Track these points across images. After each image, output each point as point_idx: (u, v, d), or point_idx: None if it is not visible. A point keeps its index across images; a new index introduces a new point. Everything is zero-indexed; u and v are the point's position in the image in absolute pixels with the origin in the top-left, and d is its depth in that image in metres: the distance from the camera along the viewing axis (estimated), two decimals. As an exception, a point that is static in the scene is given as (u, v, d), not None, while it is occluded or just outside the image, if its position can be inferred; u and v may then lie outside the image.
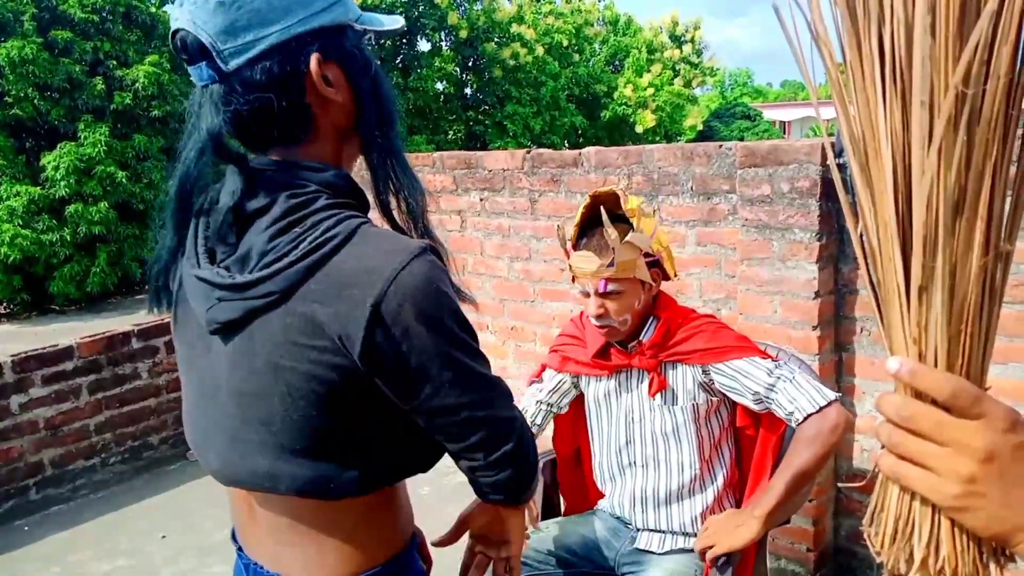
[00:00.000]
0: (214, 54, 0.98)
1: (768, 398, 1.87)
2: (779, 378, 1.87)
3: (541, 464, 2.30)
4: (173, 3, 1.01)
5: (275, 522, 1.13)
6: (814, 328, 2.76)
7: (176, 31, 0.99)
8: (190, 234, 1.09)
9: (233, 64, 0.98)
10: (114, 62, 9.97)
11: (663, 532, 2.05)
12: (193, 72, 1.02)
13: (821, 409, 1.82)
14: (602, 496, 2.21)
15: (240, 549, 1.25)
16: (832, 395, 1.85)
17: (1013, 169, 0.66)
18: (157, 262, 1.13)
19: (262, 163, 1.05)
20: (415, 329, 0.96)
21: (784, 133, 31.87)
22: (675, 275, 2.02)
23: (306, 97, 1.03)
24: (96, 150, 9.31)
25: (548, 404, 2.20)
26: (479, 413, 1.06)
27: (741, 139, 22.41)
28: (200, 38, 0.97)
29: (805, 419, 1.83)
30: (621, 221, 1.89)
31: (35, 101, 9.42)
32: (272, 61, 0.99)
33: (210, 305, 1.02)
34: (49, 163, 9.21)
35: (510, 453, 1.12)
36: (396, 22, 1.15)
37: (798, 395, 1.84)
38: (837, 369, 2.89)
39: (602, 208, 1.86)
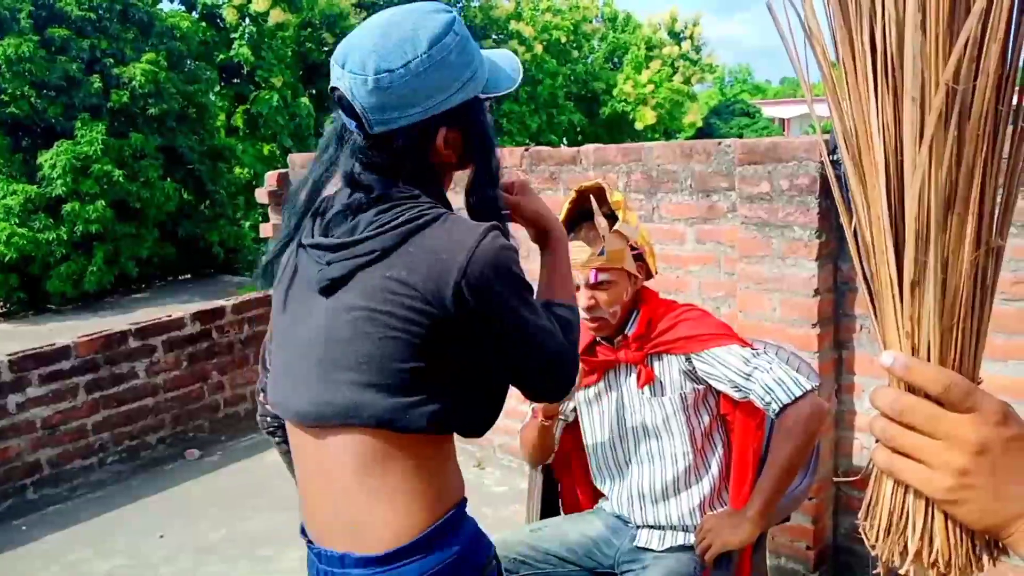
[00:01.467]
0: (363, 121, 1.22)
1: (746, 387, 1.90)
2: (756, 368, 1.89)
3: (540, 467, 2.31)
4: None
5: (345, 484, 1.26)
6: (813, 326, 2.77)
7: (334, 88, 1.24)
8: (306, 226, 1.33)
9: (377, 130, 1.23)
10: (111, 60, 9.96)
11: (662, 528, 2.06)
12: (339, 117, 1.28)
13: (796, 400, 1.84)
14: (601, 495, 2.22)
15: (309, 542, 1.37)
16: (808, 385, 1.87)
17: (1003, 164, 0.66)
18: (274, 247, 1.37)
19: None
20: (492, 285, 1.20)
21: (783, 130, 31.88)
22: (656, 272, 2.04)
23: (429, 158, 1.28)
24: (93, 148, 9.30)
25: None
26: (534, 350, 1.28)
27: (740, 136, 22.42)
28: (354, 106, 1.21)
29: (782, 409, 1.85)
30: (607, 214, 1.92)
31: (32, 99, 9.42)
32: (409, 134, 1.24)
33: (322, 267, 1.25)
34: (46, 161, 9.21)
35: (556, 376, 1.34)
36: (516, 75, 1.38)
37: (774, 385, 1.86)
38: (837, 367, 2.89)
39: (592, 198, 1.89)
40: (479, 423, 1.34)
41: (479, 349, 1.26)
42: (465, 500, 1.37)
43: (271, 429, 1.71)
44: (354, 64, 1.21)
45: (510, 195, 1.44)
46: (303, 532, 1.41)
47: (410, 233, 1.20)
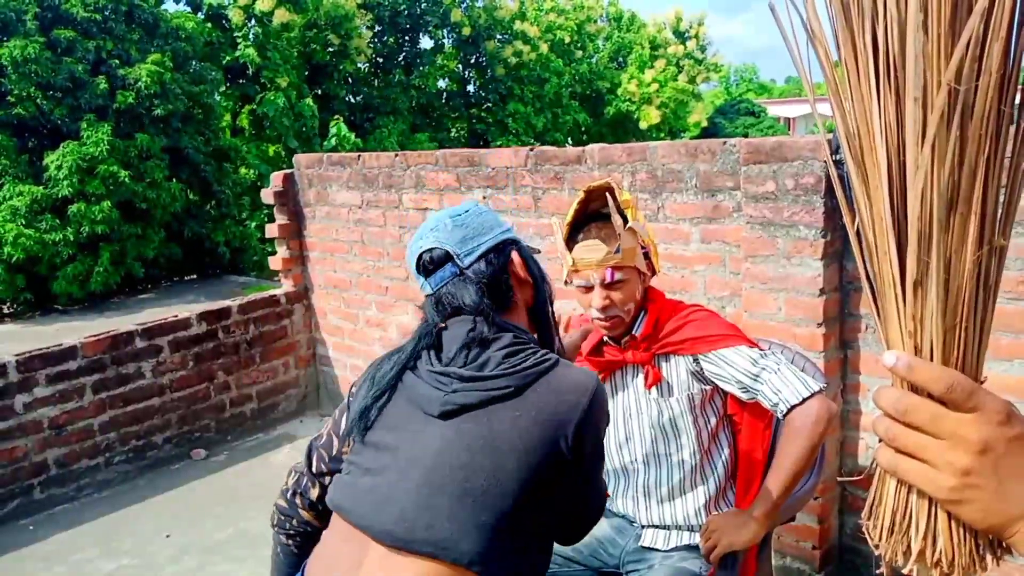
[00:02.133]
0: (455, 257, 1.49)
1: (754, 388, 1.89)
2: (764, 368, 1.89)
3: None
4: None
5: None
6: (819, 325, 2.76)
7: (425, 250, 1.51)
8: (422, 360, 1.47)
9: (467, 261, 1.49)
10: (117, 61, 9.98)
11: (668, 528, 2.05)
12: (433, 278, 1.50)
13: (804, 401, 1.84)
14: (606, 495, 2.22)
15: None
16: (816, 386, 1.87)
17: (1006, 164, 0.66)
18: (375, 393, 1.47)
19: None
20: (598, 426, 1.39)
21: (789, 129, 31.82)
22: (659, 270, 2.04)
23: (510, 280, 1.54)
24: (99, 149, 9.31)
25: None
26: (592, 495, 1.48)
27: (746, 135, 22.39)
28: (446, 248, 1.49)
29: (790, 410, 1.85)
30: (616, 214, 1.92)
31: (38, 100, 9.44)
32: (490, 256, 1.51)
33: (447, 392, 1.36)
34: (52, 162, 9.23)
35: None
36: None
37: (782, 386, 1.86)
38: (842, 366, 2.89)
39: (608, 196, 1.88)
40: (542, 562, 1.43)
41: (570, 493, 1.39)
42: None
43: (292, 532, 1.71)
44: (430, 228, 1.53)
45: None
46: None
47: (538, 375, 1.36)
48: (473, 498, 1.28)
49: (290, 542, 1.69)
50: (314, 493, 1.64)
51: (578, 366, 1.47)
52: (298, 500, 1.65)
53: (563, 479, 1.35)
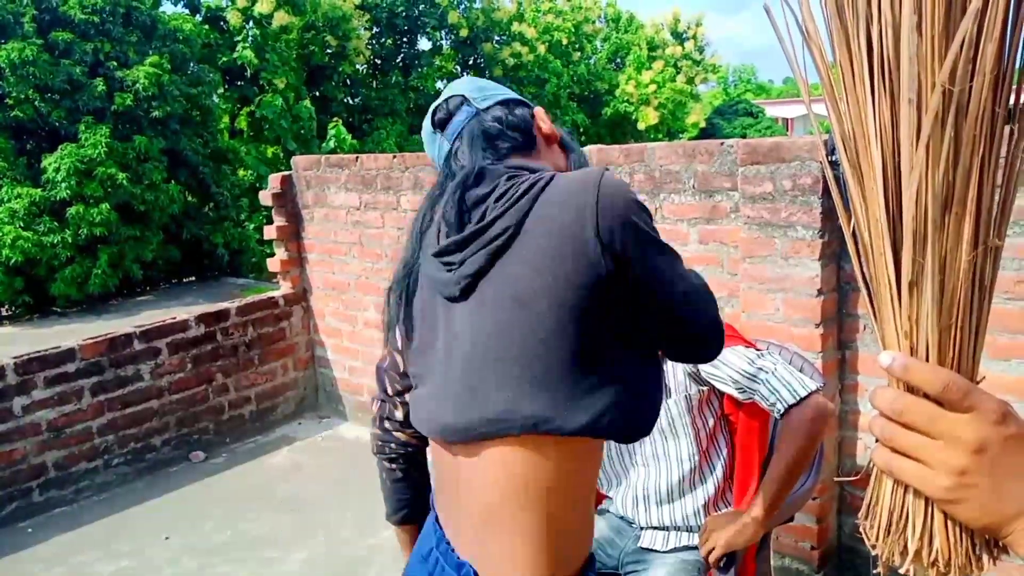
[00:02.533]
0: (471, 100, 1.36)
1: (751, 388, 1.89)
2: (761, 368, 1.89)
3: None
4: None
5: (491, 509, 1.19)
6: (817, 326, 2.77)
7: (440, 103, 1.38)
8: (427, 241, 1.31)
9: (484, 104, 1.35)
10: (114, 63, 9.97)
11: (667, 529, 2.06)
12: (450, 128, 1.36)
13: (802, 400, 1.84)
14: (605, 496, 2.22)
15: (439, 527, 1.33)
16: (813, 385, 1.87)
17: (1001, 165, 0.67)
18: (399, 273, 1.37)
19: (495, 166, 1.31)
20: (625, 217, 1.12)
21: (787, 130, 31.82)
22: None
23: (532, 128, 1.37)
24: (97, 151, 9.30)
25: None
26: (681, 282, 1.23)
27: (743, 136, 22.40)
28: (463, 94, 1.37)
29: (787, 410, 1.85)
30: None
31: (36, 103, 9.43)
32: (509, 102, 1.38)
33: (455, 268, 1.20)
34: (50, 165, 9.22)
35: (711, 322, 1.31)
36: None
37: (780, 386, 1.86)
38: (840, 367, 2.89)
39: None
40: (641, 419, 1.22)
41: (637, 313, 1.16)
42: (593, 557, 1.32)
43: (393, 456, 1.71)
44: (452, 88, 1.41)
45: None
46: (436, 521, 1.36)
47: (536, 195, 1.15)
48: (513, 357, 1.13)
49: (393, 466, 1.67)
50: (399, 414, 1.63)
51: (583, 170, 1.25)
52: (387, 424, 1.64)
53: (616, 292, 1.12)
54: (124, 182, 9.51)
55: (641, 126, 21.28)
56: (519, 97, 1.41)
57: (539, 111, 1.40)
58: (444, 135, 1.37)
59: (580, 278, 1.09)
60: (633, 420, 1.19)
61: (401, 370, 1.58)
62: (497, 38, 18.46)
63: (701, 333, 1.26)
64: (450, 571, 1.25)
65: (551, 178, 1.17)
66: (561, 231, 1.11)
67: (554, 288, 1.10)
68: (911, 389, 0.68)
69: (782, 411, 1.86)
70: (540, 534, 1.18)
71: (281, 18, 14.27)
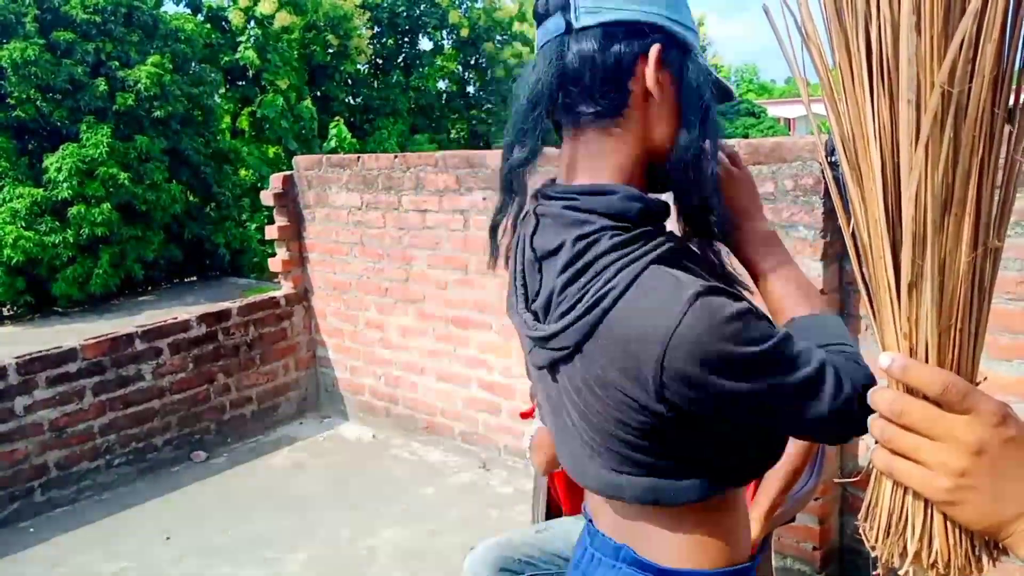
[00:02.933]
0: (572, 7, 1.01)
1: None
2: None
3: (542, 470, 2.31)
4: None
5: (621, 514, 1.15)
6: (816, 325, 2.76)
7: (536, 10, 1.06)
8: (514, 266, 1.16)
9: (583, 22, 1.01)
10: (116, 63, 9.99)
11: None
12: (541, 31, 1.07)
13: None
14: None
15: (589, 519, 1.25)
16: None
17: (1000, 166, 0.66)
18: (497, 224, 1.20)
19: (550, 192, 1.15)
20: (702, 378, 0.91)
21: (789, 130, 31.79)
22: None
23: (630, 82, 1.02)
24: (98, 151, 9.32)
25: None
26: (776, 422, 1.01)
27: (745, 136, 22.37)
28: None
29: None
30: None
31: (37, 103, 9.45)
32: (617, 32, 1.00)
33: (529, 349, 1.11)
34: (51, 165, 9.24)
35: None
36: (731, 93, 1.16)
37: None
38: (839, 366, 2.88)
39: None
40: (755, 469, 1.12)
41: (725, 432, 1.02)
42: (755, 559, 1.23)
43: None
44: None
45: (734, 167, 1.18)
46: (590, 522, 1.27)
47: (597, 321, 0.95)
48: (606, 447, 1.04)
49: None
50: None
51: (672, 279, 0.93)
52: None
53: (691, 434, 1.00)
54: (126, 182, 9.53)
55: (643, 126, 21.27)
56: (643, 20, 1.01)
57: (654, 55, 1.00)
58: (539, 30, 1.08)
59: (638, 420, 0.98)
60: (743, 476, 1.11)
61: None
62: (499, 38, 18.44)
63: (810, 429, 0.99)
64: (608, 560, 1.17)
65: (625, 288, 0.94)
66: (621, 376, 0.96)
67: (615, 416, 0.99)
68: (911, 390, 0.68)
69: None
70: (684, 530, 1.11)
71: (284, 19, 14.29)
